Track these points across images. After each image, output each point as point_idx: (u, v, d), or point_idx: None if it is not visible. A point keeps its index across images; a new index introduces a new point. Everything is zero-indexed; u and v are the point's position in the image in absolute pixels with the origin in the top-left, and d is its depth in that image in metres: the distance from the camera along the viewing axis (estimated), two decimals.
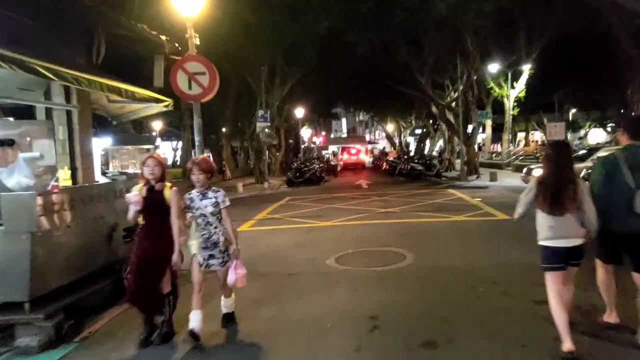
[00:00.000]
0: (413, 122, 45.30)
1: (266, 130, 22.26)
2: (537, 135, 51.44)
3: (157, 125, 32.12)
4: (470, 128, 25.95)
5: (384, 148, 46.31)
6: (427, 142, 41.98)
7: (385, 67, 28.06)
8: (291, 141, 49.62)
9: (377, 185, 21.75)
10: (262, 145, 23.15)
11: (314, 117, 61.04)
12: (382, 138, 70.15)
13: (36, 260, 4.44)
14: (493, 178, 20.66)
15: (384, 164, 31.32)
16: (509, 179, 20.83)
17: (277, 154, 32.51)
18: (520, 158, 28.37)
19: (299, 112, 28.72)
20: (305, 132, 67.56)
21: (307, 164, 25.90)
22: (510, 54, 26.22)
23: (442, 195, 16.12)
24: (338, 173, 27.82)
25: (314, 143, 65.49)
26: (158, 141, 28.94)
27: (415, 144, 43.51)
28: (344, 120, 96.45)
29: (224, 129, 31.89)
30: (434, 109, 30.66)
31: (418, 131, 52.34)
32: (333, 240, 9.12)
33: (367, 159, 46.39)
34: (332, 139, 62.59)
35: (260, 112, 22.10)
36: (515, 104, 28.57)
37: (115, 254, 5.69)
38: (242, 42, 22.36)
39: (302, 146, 50.75)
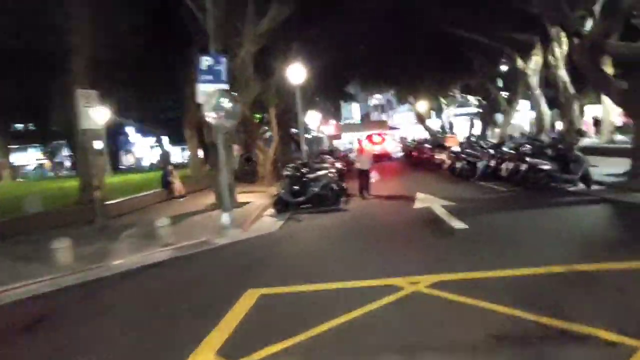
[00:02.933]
0: (458, 95, 32.78)
1: (223, 103, 10.02)
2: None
3: None
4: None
5: (443, 134, 33.31)
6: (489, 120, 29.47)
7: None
8: (294, 130, 37.52)
9: (480, 213, 9.57)
10: (217, 133, 10.88)
11: (320, 100, 48.68)
12: (400, 124, 57.44)
13: None
14: None
15: (444, 158, 19.03)
16: None
17: (267, 148, 20.44)
18: None
19: (296, 73, 16.10)
20: (312, 119, 55.02)
21: (313, 166, 13.83)
22: None
23: None
24: (370, 186, 14.07)
25: (323, 133, 53.26)
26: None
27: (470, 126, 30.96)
28: (355, 106, 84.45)
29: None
30: (519, 63, 18.38)
31: (459, 110, 39.81)
32: None
33: (393, 149, 34.57)
34: (346, 126, 50.14)
35: (204, 61, 9.94)
36: None
37: None
38: None
39: (308, 136, 38.52)
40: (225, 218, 10.16)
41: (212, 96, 9.94)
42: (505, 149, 15.02)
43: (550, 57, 16.18)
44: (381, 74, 31.11)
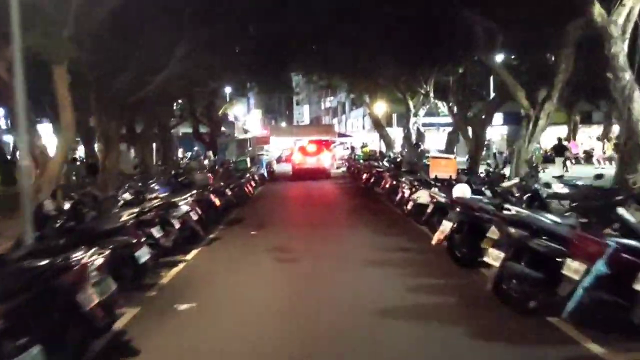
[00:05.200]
0: (431, 93, 22.66)
1: None
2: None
3: None
4: None
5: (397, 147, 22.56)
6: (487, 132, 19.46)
7: None
8: (206, 131, 26.56)
9: None
10: None
11: (270, 101, 37.68)
12: (353, 131, 47.20)
13: None
14: None
15: (425, 201, 8.52)
16: None
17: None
18: None
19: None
20: (251, 118, 43.64)
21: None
22: None
23: None
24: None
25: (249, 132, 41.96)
26: None
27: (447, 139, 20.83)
28: (306, 108, 75.10)
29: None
30: (597, 16, 8.32)
31: (429, 119, 29.91)
32: None
33: (330, 163, 24.32)
34: (281, 129, 39.19)
35: None
36: None
37: None
38: None
39: (218, 138, 27.70)
40: None
41: None
42: None
43: None
44: (327, 57, 20.66)
